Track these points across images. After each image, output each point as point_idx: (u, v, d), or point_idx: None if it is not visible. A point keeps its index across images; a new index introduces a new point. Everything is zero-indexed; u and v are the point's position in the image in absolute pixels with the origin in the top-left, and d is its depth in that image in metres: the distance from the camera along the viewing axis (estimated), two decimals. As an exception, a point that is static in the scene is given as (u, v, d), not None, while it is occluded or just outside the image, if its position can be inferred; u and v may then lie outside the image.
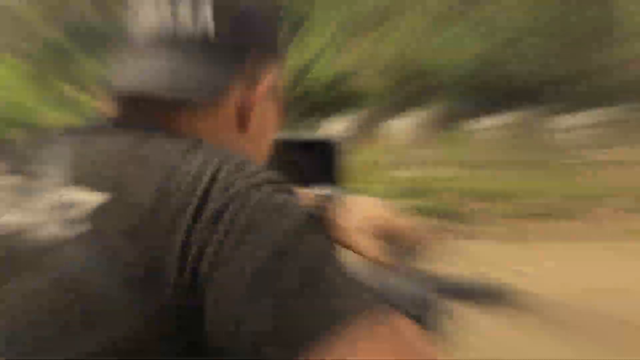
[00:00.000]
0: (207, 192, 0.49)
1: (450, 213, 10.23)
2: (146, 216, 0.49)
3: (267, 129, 0.71)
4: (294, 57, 15.71)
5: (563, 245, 8.01)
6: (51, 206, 0.52)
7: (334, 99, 15.52)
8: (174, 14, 0.62)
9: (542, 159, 12.31)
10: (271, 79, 0.67)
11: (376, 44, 15.98)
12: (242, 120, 0.65)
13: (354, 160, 10.28)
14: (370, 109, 15.24)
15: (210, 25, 0.63)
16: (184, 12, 0.62)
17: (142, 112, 0.62)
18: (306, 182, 0.77)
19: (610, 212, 9.79)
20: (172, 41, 0.62)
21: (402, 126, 11.87)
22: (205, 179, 0.50)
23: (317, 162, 0.92)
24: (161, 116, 0.62)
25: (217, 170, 0.51)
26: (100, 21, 15.93)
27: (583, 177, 11.33)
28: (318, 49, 16.10)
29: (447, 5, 15.09)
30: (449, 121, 13.96)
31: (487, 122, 11.29)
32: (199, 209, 0.48)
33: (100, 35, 16.49)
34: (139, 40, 0.64)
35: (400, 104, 14.72)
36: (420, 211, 10.10)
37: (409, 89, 14.67)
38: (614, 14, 13.52)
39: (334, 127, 12.54)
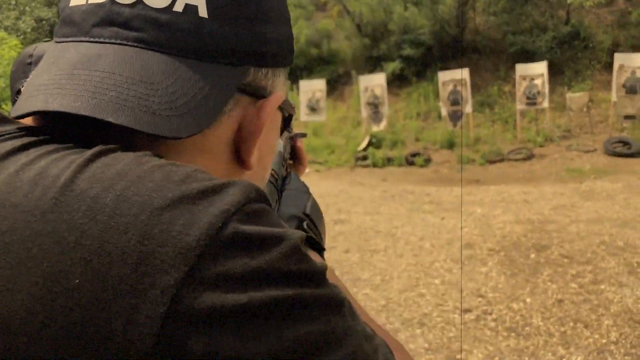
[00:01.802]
0: None
1: (415, 161, 11.15)
2: None
3: (268, 154, 0.52)
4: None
5: (513, 186, 8.81)
6: None
7: (309, 61, 16.24)
8: None
9: (493, 108, 13.35)
10: (282, 95, 0.48)
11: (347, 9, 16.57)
12: (241, 149, 0.46)
13: (332, 117, 11.68)
14: (343, 69, 16.00)
15: (203, 14, 0.41)
16: None
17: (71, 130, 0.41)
18: None
19: (555, 154, 10.87)
20: (139, 32, 0.41)
21: (372, 83, 12.38)
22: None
23: None
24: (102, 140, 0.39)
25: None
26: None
27: (531, 123, 12.35)
28: (293, 16, 16.70)
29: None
30: (412, 76, 14.78)
31: (446, 76, 12.02)
32: None
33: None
34: (81, 23, 0.42)
35: (370, 63, 15.52)
36: (390, 161, 11.31)
37: (377, 49, 15.39)
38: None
39: (310, 88, 12.96)
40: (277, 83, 0.50)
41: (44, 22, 15.66)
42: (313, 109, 12.74)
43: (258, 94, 0.47)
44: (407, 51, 14.68)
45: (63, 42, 0.44)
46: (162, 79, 0.41)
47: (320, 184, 9.60)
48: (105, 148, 0.38)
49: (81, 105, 0.39)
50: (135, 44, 0.41)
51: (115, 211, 0.34)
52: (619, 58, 10.85)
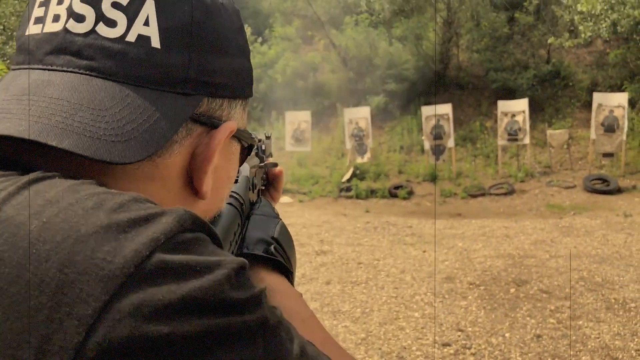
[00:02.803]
0: None
1: (398, 193, 11.24)
2: None
3: (227, 186, 0.53)
4: (258, 56, 16.58)
5: (494, 220, 8.93)
6: None
7: (295, 92, 16.40)
8: (100, 19, 0.42)
9: (475, 143, 13.52)
10: (234, 125, 0.49)
11: (333, 42, 16.85)
12: (194, 178, 0.47)
13: (317, 148, 11.75)
14: (328, 101, 16.16)
15: (155, 44, 0.42)
16: (115, 19, 0.42)
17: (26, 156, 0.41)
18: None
19: (535, 189, 11.00)
20: (91, 60, 0.42)
21: (356, 116, 12.52)
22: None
23: None
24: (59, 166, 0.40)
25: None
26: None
27: (513, 158, 12.52)
28: (280, 48, 16.97)
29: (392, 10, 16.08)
30: (396, 110, 14.98)
31: (429, 111, 12.21)
32: None
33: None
34: (36, 51, 0.43)
35: (355, 96, 15.71)
36: (373, 193, 11.36)
37: (362, 83, 15.62)
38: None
39: (296, 119, 13.08)
40: (234, 114, 0.51)
41: (31, 47, 15.68)
42: (298, 140, 12.83)
43: (212, 124, 0.48)
44: (392, 86, 14.90)
45: (17, 69, 0.45)
46: (110, 106, 0.41)
47: (304, 214, 9.59)
48: (41, 175, 0.38)
49: (25, 129, 0.39)
50: (86, 72, 0.42)
51: (38, 238, 0.33)
52: (597, 97, 11.12)
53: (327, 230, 8.15)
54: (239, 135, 0.52)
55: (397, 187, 11.50)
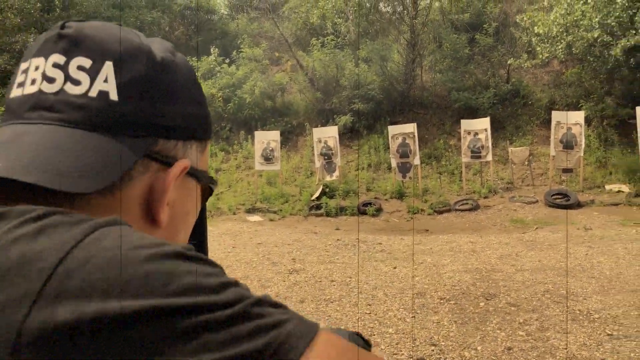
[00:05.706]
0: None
1: (367, 210, 11.40)
2: None
3: (185, 219, 0.60)
4: (226, 77, 16.63)
5: (460, 235, 9.14)
6: None
7: (263, 112, 16.46)
8: (67, 79, 0.52)
9: (440, 161, 13.82)
10: (187, 162, 0.57)
11: (300, 63, 17.01)
12: (152, 208, 0.54)
13: (286, 166, 11.78)
14: (296, 120, 16.28)
15: (113, 97, 0.52)
16: (79, 79, 0.52)
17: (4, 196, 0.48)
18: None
19: (499, 205, 11.32)
20: (60, 113, 0.51)
21: (325, 135, 12.66)
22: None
23: None
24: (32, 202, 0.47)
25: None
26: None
27: (476, 175, 12.84)
28: (248, 69, 17.04)
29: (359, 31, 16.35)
30: (363, 129, 15.20)
31: (395, 130, 12.44)
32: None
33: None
34: (17, 110, 0.53)
35: (322, 116, 15.87)
36: (343, 210, 11.48)
37: (330, 102, 15.81)
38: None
39: (265, 138, 13.14)
40: (189, 153, 0.59)
41: None
42: (267, 159, 12.88)
43: (167, 162, 0.56)
44: (358, 105, 15.12)
45: (4, 125, 0.55)
46: (72, 148, 0.50)
47: (275, 233, 9.61)
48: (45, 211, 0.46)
49: (3, 169, 0.46)
50: (56, 123, 0.51)
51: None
52: (556, 116, 11.56)
53: (299, 248, 8.19)
54: (195, 174, 0.59)
55: (366, 204, 11.65)
